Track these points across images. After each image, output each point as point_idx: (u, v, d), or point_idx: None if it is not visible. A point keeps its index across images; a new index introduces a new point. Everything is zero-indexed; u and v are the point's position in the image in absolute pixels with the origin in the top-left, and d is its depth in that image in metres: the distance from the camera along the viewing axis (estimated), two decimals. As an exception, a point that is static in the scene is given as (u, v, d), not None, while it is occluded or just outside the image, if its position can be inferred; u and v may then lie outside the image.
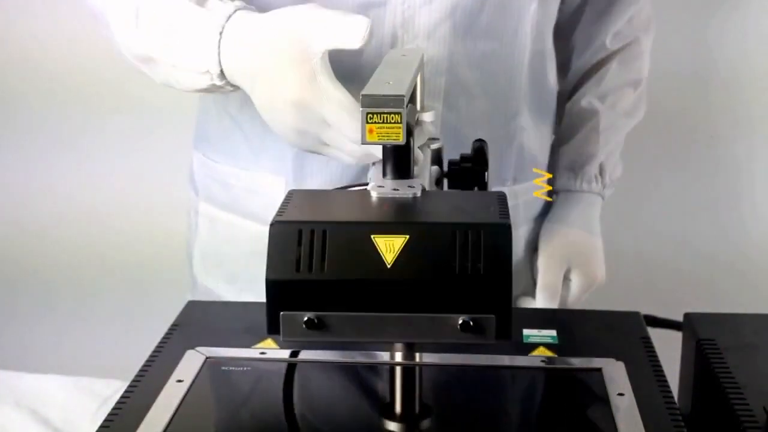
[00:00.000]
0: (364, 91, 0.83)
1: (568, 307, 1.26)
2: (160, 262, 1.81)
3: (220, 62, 0.98)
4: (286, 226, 0.74)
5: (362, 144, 0.83)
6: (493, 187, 1.15)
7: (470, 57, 1.13)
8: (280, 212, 0.77)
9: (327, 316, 0.73)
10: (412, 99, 0.94)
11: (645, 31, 1.34)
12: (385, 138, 0.83)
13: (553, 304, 1.24)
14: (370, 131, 0.83)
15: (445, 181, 0.97)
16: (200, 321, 1.04)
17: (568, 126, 1.33)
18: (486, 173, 0.94)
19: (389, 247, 0.73)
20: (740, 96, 1.73)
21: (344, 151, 0.91)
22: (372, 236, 0.73)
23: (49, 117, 1.78)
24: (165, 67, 1.05)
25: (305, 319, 0.73)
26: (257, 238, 1.22)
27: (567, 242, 1.29)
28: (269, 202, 1.19)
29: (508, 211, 0.78)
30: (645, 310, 1.08)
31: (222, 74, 0.99)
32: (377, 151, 0.85)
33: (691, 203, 1.79)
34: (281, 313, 0.73)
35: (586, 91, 1.33)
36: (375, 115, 0.83)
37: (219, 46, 0.98)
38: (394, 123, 0.83)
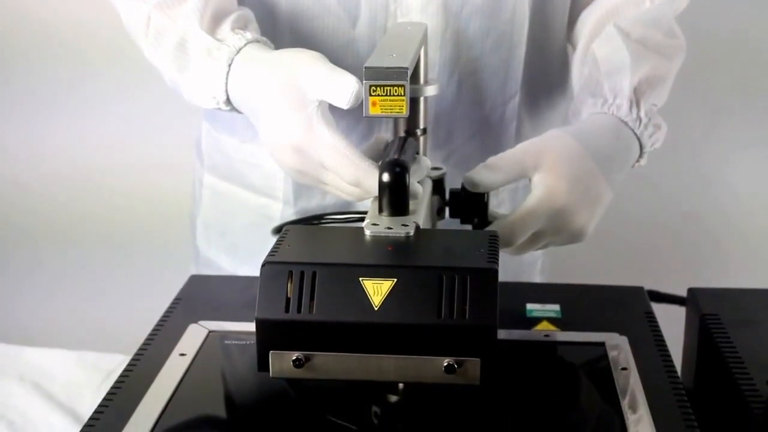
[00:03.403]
0: (367, 64, 0.83)
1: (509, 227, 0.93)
2: (165, 236, 1.81)
3: (226, 91, 1.00)
4: (277, 267, 0.75)
5: (365, 116, 0.83)
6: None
7: (463, 34, 1.12)
8: (273, 252, 0.78)
9: (314, 356, 0.75)
10: (416, 72, 0.94)
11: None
12: (389, 111, 0.83)
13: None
14: (374, 104, 0.83)
15: (447, 210, 0.96)
16: (203, 295, 1.04)
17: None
18: (487, 200, 0.94)
19: (377, 290, 0.74)
20: (752, 72, 1.72)
21: (342, 191, 0.93)
22: (360, 279, 0.74)
23: (56, 75, 1.76)
24: (170, 78, 1.06)
25: (293, 358, 0.75)
26: (257, 210, 1.23)
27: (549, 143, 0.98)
28: (269, 174, 1.20)
29: (497, 254, 0.78)
30: (648, 285, 1.08)
31: (228, 101, 1.01)
32: (374, 189, 0.84)
33: (695, 178, 1.78)
34: (270, 351, 0.75)
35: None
36: (378, 88, 0.82)
37: (227, 77, 0.99)
38: (397, 96, 0.82)
